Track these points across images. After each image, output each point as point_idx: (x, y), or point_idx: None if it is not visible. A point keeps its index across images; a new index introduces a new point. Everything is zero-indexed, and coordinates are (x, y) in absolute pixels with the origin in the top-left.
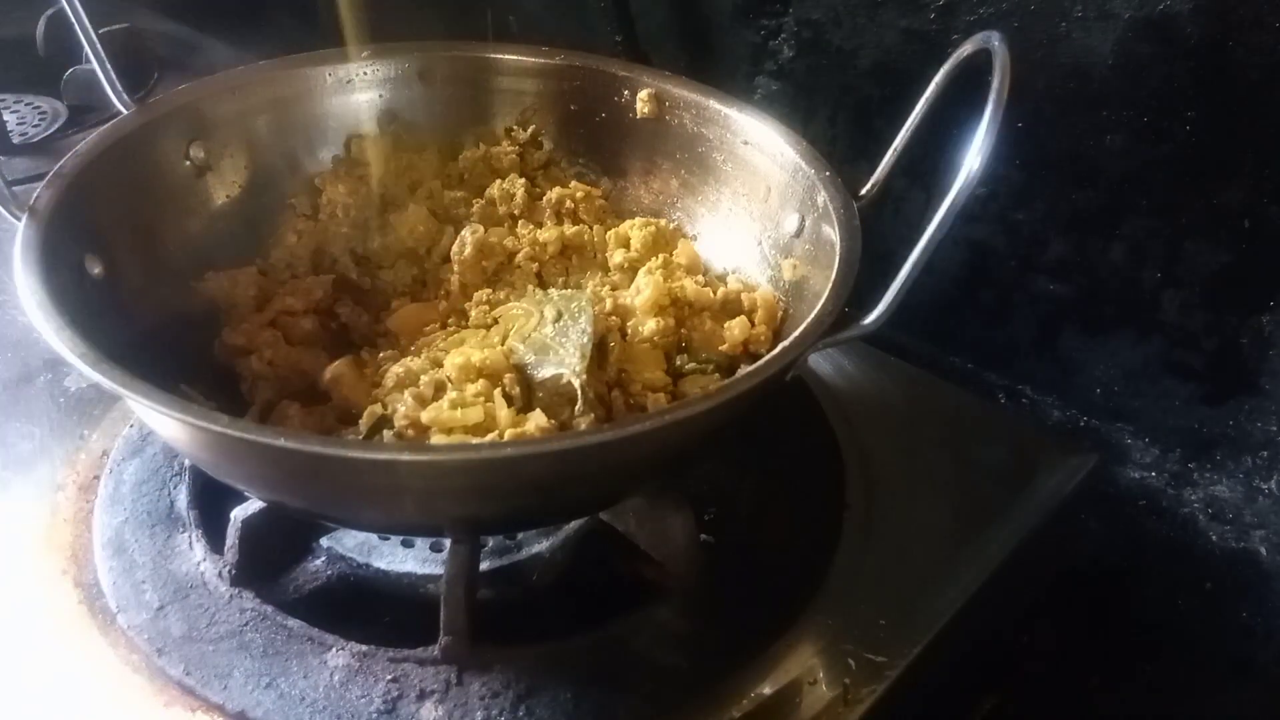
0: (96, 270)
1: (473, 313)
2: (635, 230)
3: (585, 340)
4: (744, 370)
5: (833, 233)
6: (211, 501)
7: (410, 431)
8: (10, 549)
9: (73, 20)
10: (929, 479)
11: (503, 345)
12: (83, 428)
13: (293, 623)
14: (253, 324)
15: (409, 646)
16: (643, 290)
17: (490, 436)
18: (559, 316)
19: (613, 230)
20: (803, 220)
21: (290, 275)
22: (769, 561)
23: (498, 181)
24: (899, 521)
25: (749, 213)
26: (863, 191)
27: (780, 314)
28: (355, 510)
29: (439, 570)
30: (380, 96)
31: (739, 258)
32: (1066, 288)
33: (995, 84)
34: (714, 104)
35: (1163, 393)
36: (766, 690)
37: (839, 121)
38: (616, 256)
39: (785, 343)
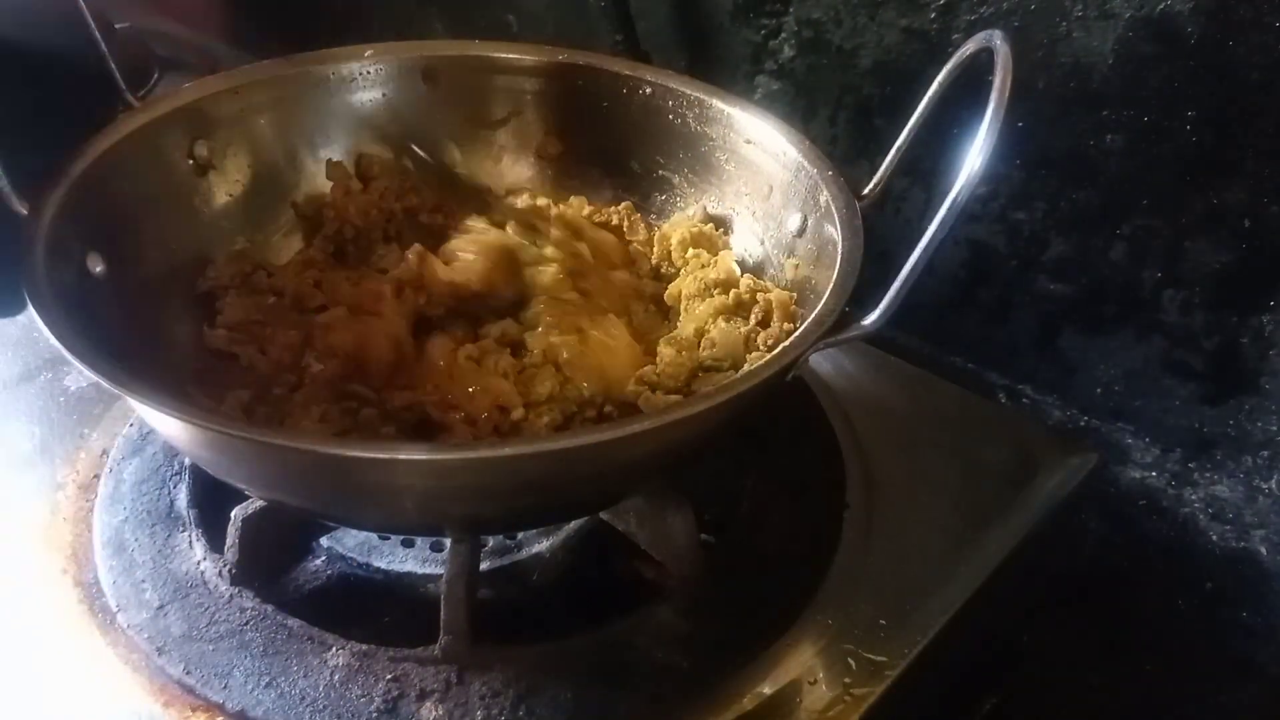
0: (98, 268)
1: None
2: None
3: None
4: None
5: (835, 232)
6: (211, 501)
7: None
8: (10, 548)
9: (85, 14)
10: (929, 479)
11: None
12: (83, 427)
13: (293, 622)
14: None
15: (409, 646)
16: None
17: None
18: None
19: (659, 232)
20: (805, 219)
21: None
22: (769, 561)
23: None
24: (899, 521)
25: (751, 212)
26: (865, 191)
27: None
28: (355, 509)
29: (439, 570)
30: (383, 95)
31: (741, 257)
32: (1067, 287)
33: (997, 83)
34: (716, 103)
35: (1163, 392)
36: (766, 690)
37: (839, 121)
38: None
39: (786, 343)
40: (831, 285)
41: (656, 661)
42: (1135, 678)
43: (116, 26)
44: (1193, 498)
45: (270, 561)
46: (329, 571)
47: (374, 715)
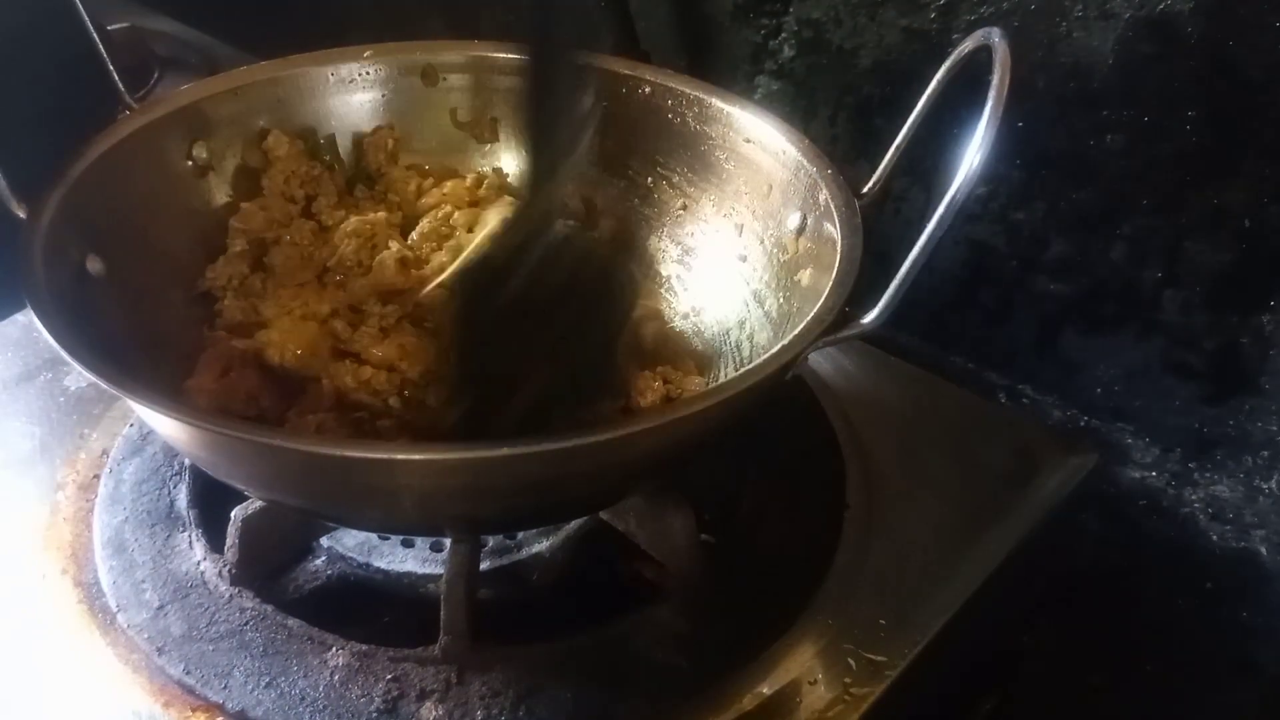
0: (98, 269)
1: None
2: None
3: None
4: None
5: (834, 231)
6: (211, 501)
7: None
8: (10, 548)
9: (83, 16)
10: (929, 479)
11: None
12: (83, 427)
13: (293, 622)
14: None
15: (409, 646)
16: None
17: None
18: None
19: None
20: (804, 218)
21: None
22: (769, 561)
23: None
24: (899, 521)
25: (751, 211)
26: (864, 190)
27: None
28: (354, 509)
29: (439, 570)
30: (382, 96)
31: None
32: (1067, 287)
33: (995, 80)
34: (716, 102)
35: (1163, 392)
36: (766, 690)
37: (839, 121)
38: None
39: (785, 341)
40: (831, 284)
41: (656, 661)
42: (1135, 678)
43: (116, 26)
44: (1193, 498)
45: (270, 561)
46: (329, 571)
47: (374, 715)
